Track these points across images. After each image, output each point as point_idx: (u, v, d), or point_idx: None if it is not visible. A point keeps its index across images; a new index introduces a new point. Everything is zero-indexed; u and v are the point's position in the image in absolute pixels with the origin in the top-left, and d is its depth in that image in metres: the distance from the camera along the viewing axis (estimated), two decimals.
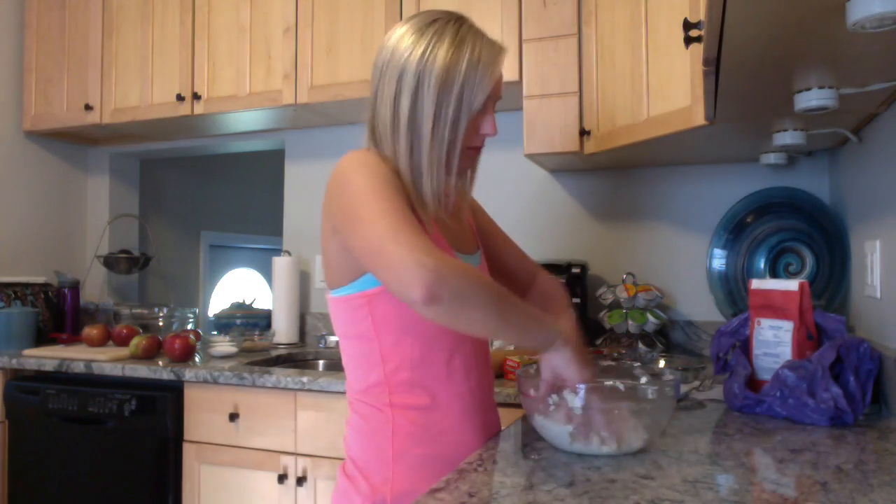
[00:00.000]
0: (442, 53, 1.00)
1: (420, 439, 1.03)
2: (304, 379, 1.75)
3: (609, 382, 0.97)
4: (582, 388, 0.97)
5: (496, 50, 1.04)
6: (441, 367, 1.04)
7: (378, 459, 1.03)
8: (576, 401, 0.97)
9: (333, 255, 1.04)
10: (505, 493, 0.81)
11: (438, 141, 1.00)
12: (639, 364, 1.21)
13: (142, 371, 1.94)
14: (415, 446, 1.02)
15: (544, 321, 0.98)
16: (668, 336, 2.11)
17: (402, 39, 1.03)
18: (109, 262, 2.82)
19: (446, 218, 1.08)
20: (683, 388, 1.40)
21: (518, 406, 1.46)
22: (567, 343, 0.98)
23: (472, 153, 1.07)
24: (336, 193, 0.98)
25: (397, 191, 0.95)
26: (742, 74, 1.10)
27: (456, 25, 1.03)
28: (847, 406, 1.12)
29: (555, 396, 0.99)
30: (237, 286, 4.52)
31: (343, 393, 1.72)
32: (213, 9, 2.37)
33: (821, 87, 1.16)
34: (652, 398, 1.00)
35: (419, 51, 1.00)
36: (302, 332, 2.56)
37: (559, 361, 0.98)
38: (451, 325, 0.92)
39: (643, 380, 1.10)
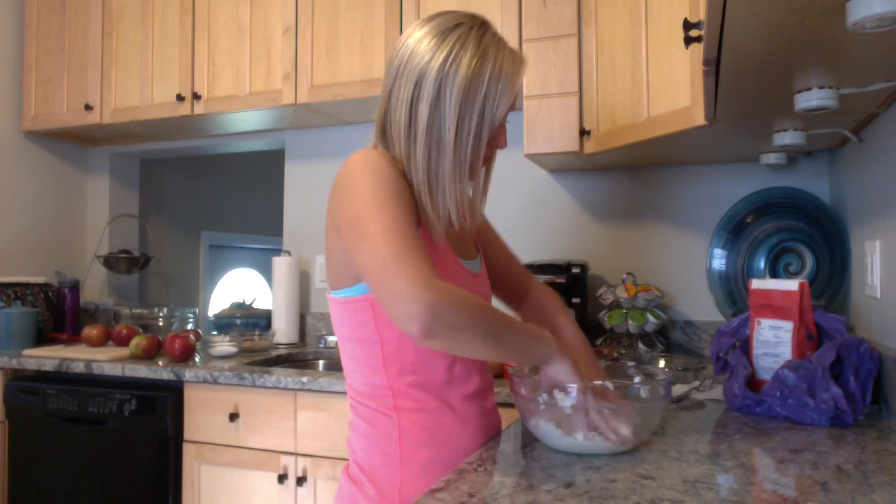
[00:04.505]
0: (465, 62, 0.97)
1: (426, 443, 1.02)
2: (304, 379, 1.75)
3: (598, 382, 0.98)
4: (573, 387, 0.97)
5: (518, 62, 1.02)
6: (443, 371, 1.04)
7: (385, 464, 1.02)
8: (566, 400, 0.97)
9: (336, 254, 1.02)
10: (505, 493, 0.81)
11: (461, 154, 0.99)
12: (633, 363, 1.21)
13: (142, 371, 1.94)
14: (421, 450, 1.02)
15: (541, 337, 0.98)
16: (668, 336, 2.11)
17: (422, 42, 1.00)
18: (109, 262, 2.82)
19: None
20: (683, 388, 1.40)
21: None
22: (564, 355, 0.99)
23: (485, 164, 1.06)
24: (342, 196, 0.96)
25: (405, 203, 0.94)
26: (742, 74, 1.10)
27: (479, 32, 1.00)
28: (847, 406, 1.12)
29: (545, 395, 0.99)
30: (237, 286, 4.53)
31: (343, 393, 1.72)
32: (213, 9, 2.37)
33: (821, 87, 1.16)
34: (642, 397, 1.00)
35: (440, 57, 0.98)
36: (302, 332, 2.57)
37: (560, 373, 0.98)
38: (450, 352, 0.97)
39: (636, 379, 1.11)
